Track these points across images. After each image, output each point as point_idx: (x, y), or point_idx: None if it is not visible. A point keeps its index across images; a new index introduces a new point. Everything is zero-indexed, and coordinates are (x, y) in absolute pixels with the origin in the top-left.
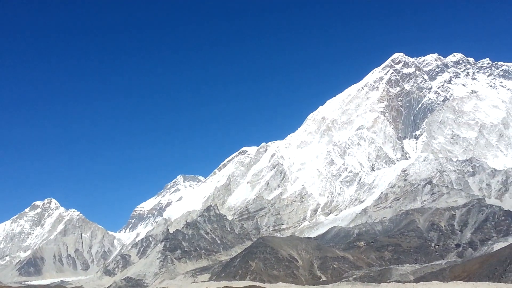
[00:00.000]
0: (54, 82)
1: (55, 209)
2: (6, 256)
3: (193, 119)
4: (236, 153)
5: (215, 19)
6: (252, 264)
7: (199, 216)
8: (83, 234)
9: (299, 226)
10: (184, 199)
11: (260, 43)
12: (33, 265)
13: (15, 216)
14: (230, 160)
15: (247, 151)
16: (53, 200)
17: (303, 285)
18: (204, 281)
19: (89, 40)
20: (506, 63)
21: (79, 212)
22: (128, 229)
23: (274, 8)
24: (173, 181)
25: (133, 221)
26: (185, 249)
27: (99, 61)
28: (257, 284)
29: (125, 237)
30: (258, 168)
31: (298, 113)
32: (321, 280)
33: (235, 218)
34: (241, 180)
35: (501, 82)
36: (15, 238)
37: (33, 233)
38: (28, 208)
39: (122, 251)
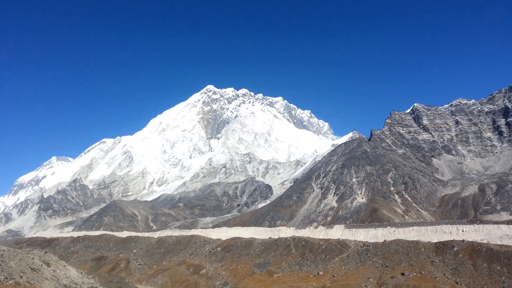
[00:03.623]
0: None
1: None
2: None
3: (66, 112)
4: (98, 142)
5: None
6: (105, 219)
7: (67, 186)
8: None
9: (140, 193)
10: (56, 173)
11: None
12: None
13: None
14: (94, 147)
15: (106, 142)
16: None
17: (140, 232)
18: (68, 232)
19: None
20: (271, 97)
21: None
22: (10, 195)
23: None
24: (49, 160)
25: (15, 188)
26: (55, 209)
27: None
28: (108, 232)
29: (8, 201)
30: (114, 154)
31: (144, 118)
32: (153, 228)
33: (95, 187)
34: (101, 161)
35: (268, 109)
36: None
37: None
38: None
39: (5, 210)
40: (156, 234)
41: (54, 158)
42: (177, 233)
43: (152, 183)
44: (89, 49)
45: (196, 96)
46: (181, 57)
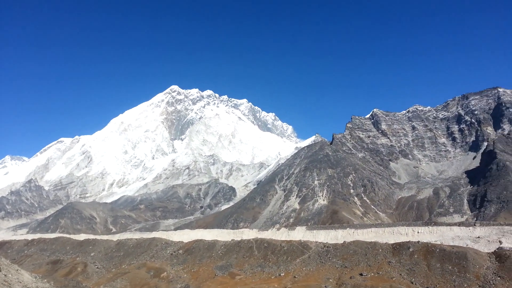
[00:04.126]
0: None
1: None
2: None
3: (21, 110)
4: (55, 141)
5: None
6: (61, 221)
7: (21, 186)
8: None
9: (99, 195)
10: (10, 173)
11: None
12: None
13: None
14: (50, 146)
15: (63, 141)
16: None
17: (99, 235)
18: (22, 234)
19: None
20: (235, 99)
21: None
22: None
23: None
24: (2, 159)
25: None
26: (9, 210)
27: None
28: (65, 235)
29: None
30: (72, 153)
31: (104, 117)
32: (112, 231)
33: (51, 188)
34: (58, 161)
35: (233, 111)
36: None
37: None
38: None
39: None
40: (116, 237)
41: (8, 157)
42: (137, 235)
43: (112, 184)
44: (47, 45)
45: (159, 96)
46: (145, 56)
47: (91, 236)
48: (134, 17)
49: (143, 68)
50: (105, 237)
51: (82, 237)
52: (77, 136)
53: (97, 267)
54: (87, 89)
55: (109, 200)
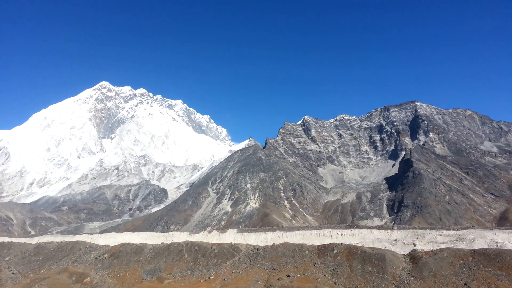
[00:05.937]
0: None
1: None
2: None
3: None
4: None
5: None
6: None
7: None
8: None
9: (17, 194)
10: None
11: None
12: None
13: None
14: None
15: None
16: None
17: (15, 238)
18: None
19: None
20: (170, 100)
21: None
22: None
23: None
24: None
25: None
26: None
27: None
28: None
29: None
30: None
31: (25, 112)
32: (31, 234)
33: None
34: None
35: (167, 111)
36: None
37: None
38: None
39: None
40: (34, 240)
41: None
42: (59, 238)
43: (31, 183)
44: None
45: (88, 92)
46: (73, 48)
47: (7, 239)
48: (65, 5)
49: (71, 61)
50: (22, 240)
51: None
52: None
53: (12, 273)
54: (6, 81)
55: (28, 201)
